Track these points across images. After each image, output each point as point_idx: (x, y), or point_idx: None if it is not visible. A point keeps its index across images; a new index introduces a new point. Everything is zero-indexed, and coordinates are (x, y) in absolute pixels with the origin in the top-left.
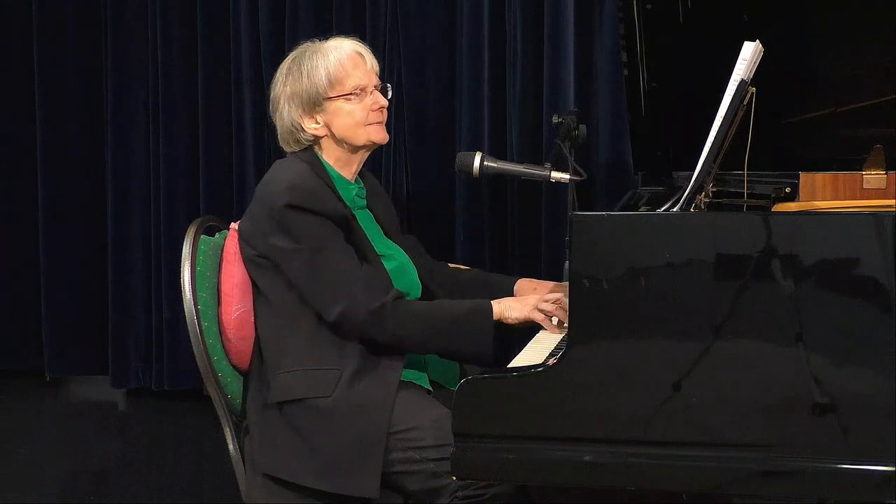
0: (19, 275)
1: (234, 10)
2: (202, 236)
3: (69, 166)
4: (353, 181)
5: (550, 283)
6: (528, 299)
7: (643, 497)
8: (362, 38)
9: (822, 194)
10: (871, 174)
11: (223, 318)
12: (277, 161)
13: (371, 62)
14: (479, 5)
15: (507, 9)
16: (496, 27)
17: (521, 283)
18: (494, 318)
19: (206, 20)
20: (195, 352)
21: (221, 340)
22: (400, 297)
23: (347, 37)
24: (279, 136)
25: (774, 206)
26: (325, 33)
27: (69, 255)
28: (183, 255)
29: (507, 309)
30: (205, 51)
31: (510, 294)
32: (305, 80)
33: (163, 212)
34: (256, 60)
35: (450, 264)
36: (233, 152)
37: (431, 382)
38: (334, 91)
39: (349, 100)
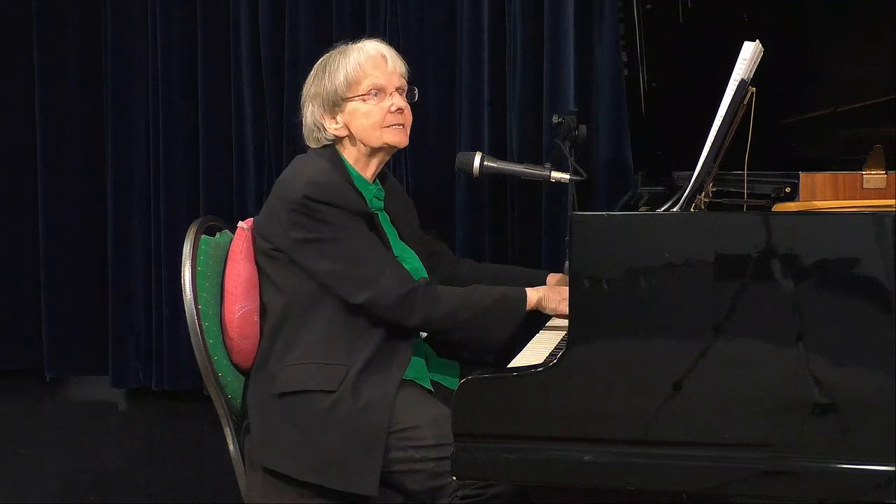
0: (19, 275)
1: (233, 12)
2: (202, 236)
3: (69, 166)
4: (372, 182)
5: None
6: (565, 292)
7: (643, 497)
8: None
9: (822, 194)
10: (871, 174)
11: (226, 316)
12: (298, 156)
13: (395, 64)
14: (479, 5)
15: (507, 9)
16: (496, 27)
17: (552, 279)
18: (531, 305)
19: (206, 21)
20: (195, 352)
21: (223, 339)
22: (430, 283)
23: (376, 38)
24: (304, 134)
25: (774, 206)
26: (324, 35)
27: (69, 255)
28: (183, 255)
29: (545, 299)
30: (205, 51)
31: None
32: (327, 80)
33: (163, 212)
34: (256, 61)
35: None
36: (233, 153)
37: (432, 382)
38: (352, 91)
39: (365, 100)
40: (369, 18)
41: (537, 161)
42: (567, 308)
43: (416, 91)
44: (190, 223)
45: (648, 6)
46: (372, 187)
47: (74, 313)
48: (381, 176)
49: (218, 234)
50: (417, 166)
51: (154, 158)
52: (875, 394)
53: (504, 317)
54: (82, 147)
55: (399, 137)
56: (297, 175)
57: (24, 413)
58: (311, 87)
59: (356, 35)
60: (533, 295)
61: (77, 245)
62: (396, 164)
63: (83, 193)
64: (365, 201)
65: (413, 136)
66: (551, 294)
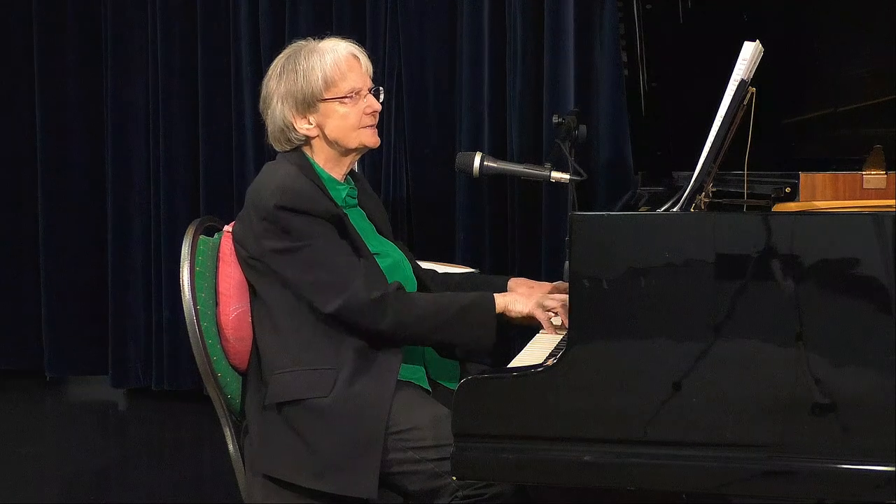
0: (19, 275)
1: (233, 11)
2: (201, 236)
3: (69, 166)
4: (343, 181)
5: (547, 284)
6: (533, 294)
7: (643, 497)
8: (362, 38)
9: (822, 194)
10: (871, 174)
11: (221, 318)
12: (267, 164)
13: (366, 65)
14: (479, 5)
15: (506, 9)
16: (496, 27)
17: (514, 282)
18: (498, 310)
19: (206, 21)
20: (195, 352)
21: (220, 340)
22: (401, 288)
23: (343, 38)
24: (269, 134)
25: (774, 206)
26: (325, 34)
27: (69, 255)
28: (182, 255)
29: (511, 302)
30: (205, 51)
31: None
32: (301, 79)
33: (163, 212)
34: (256, 61)
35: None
36: (233, 152)
37: (431, 382)
38: (329, 93)
39: (344, 102)
40: (369, 19)
41: (537, 161)
42: (534, 308)
43: (382, 90)
44: (190, 223)
45: (648, 6)
46: (343, 187)
47: (74, 313)
48: (350, 174)
49: (217, 235)
50: (417, 166)
51: (154, 158)
52: (875, 394)
53: (475, 320)
54: (82, 147)
55: (374, 139)
56: (266, 183)
57: (24, 413)
58: (280, 85)
59: (357, 35)
60: (500, 300)
61: (77, 245)
62: (397, 164)
63: (83, 193)
64: (335, 204)
65: (413, 136)
66: (517, 297)
